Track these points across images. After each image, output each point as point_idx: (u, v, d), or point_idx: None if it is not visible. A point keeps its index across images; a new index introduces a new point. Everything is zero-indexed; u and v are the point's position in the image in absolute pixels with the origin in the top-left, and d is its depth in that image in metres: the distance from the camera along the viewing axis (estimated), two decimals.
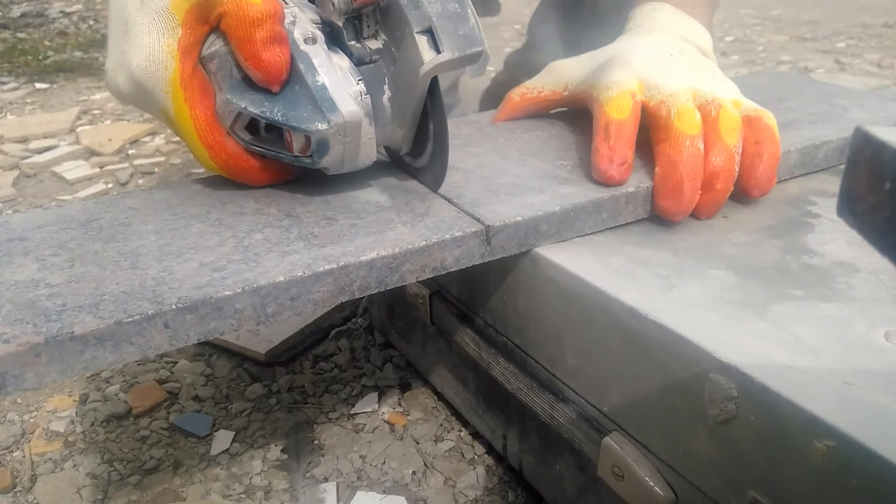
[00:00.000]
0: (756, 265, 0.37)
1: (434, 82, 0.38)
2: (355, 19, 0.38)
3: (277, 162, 0.40)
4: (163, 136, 1.26)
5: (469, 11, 0.36)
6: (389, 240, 0.36)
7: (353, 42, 0.39)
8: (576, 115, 0.53)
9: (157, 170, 1.12)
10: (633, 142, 0.42)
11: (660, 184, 0.41)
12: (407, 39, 0.36)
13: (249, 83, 0.37)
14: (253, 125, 0.39)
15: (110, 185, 1.07)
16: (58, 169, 1.11)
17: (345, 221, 0.38)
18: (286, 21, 0.37)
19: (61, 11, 2.61)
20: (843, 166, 0.26)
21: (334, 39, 0.39)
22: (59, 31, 2.30)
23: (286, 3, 0.38)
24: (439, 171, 0.40)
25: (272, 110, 0.37)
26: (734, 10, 2.55)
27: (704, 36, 0.51)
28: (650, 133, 0.43)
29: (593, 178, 0.42)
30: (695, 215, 0.42)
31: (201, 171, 0.41)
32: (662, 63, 0.45)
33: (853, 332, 0.32)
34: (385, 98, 0.39)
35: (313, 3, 0.40)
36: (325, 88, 0.36)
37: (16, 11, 2.56)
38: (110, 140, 1.21)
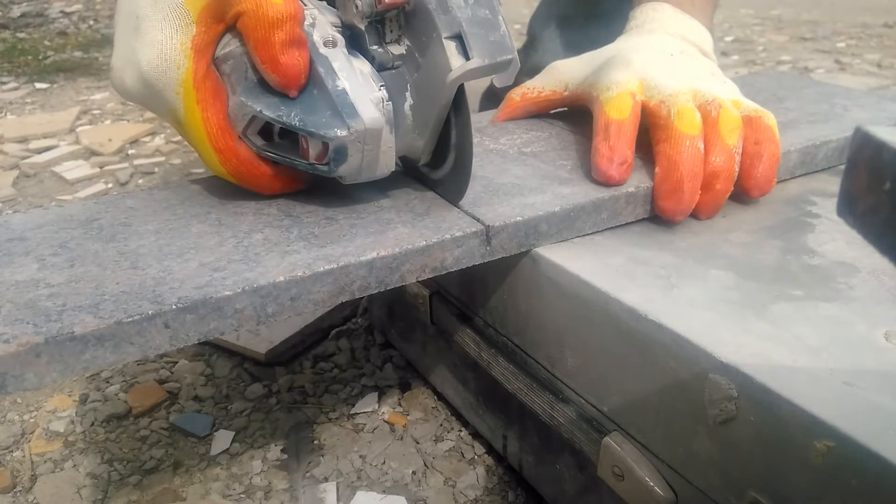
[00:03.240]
0: (756, 265, 0.37)
1: (460, 91, 0.36)
2: (378, 23, 0.37)
3: (290, 169, 0.38)
4: (163, 136, 1.26)
5: (500, 18, 0.35)
6: (389, 240, 0.36)
7: (374, 46, 0.37)
8: (576, 115, 0.53)
9: (157, 170, 1.12)
10: (633, 142, 0.42)
11: (660, 184, 0.41)
12: (434, 45, 0.35)
13: (265, 86, 0.36)
14: (266, 130, 0.38)
15: (110, 185, 1.07)
16: (58, 169, 1.11)
17: (345, 221, 0.38)
18: (305, 23, 0.35)
19: (61, 11, 2.61)
20: (843, 166, 0.26)
21: (355, 43, 0.37)
22: (59, 31, 2.30)
23: (305, 5, 0.36)
24: (460, 184, 0.39)
25: (289, 115, 0.35)
26: (734, 10, 2.55)
27: (705, 36, 0.51)
28: (650, 133, 0.43)
29: (593, 178, 0.42)
30: (695, 215, 0.42)
31: (201, 170, 0.42)
32: (663, 63, 0.45)
33: (853, 332, 0.32)
34: (407, 106, 0.38)
35: (332, 4, 0.38)
36: (346, 93, 0.35)
37: (16, 11, 2.56)
38: (110, 140, 1.21)
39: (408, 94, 0.38)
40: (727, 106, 0.42)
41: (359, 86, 0.35)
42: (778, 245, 0.40)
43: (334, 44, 0.36)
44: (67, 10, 2.64)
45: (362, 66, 0.36)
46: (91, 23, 2.45)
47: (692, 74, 0.45)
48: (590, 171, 0.43)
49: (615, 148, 0.41)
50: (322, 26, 0.36)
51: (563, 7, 0.92)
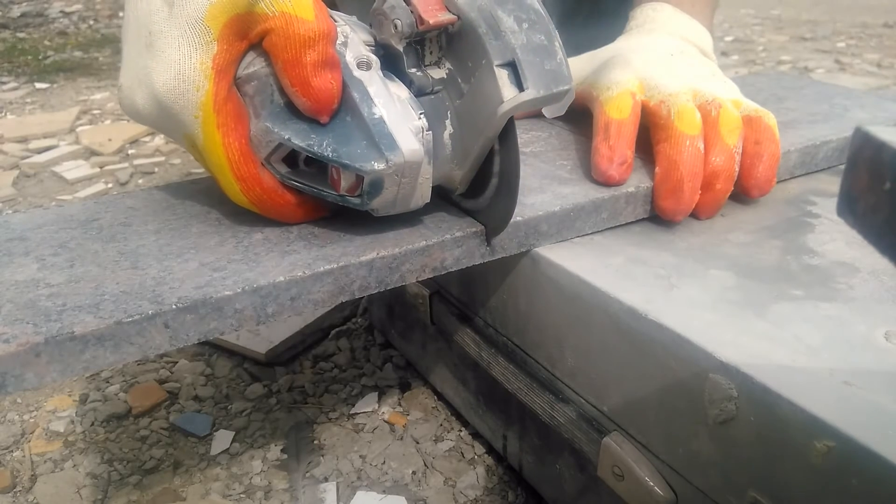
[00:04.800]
0: (756, 265, 0.37)
1: (510, 121, 0.33)
2: (417, 44, 0.34)
3: (315, 198, 0.36)
4: (162, 136, 1.26)
5: (557, 45, 0.32)
6: (389, 239, 0.36)
7: (413, 69, 0.34)
8: (576, 115, 0.53)
9: (157, 170, 1.12)
10: (633, 142, 0.42)
11: (660, 184, 0.41)
12: (482, 72, 0.32)
13: (293, 111, 0.33)
14: (290, 157, 0.35)
15: (110, 185, 1.07)
16: (58, 169, 1.11)
17: (344, 221, 0.38)
18: (337, 42, 0.33)
19: (61, 11, 2.61)
20: (843, 166, 0.26)
21: (390, 65, 0.34)
22: (59, 31, 2.30)
23: (336, 21, 0.33)
24: (502, 217, 0.36)
25: (320, 144, 0.33)
26: (734, 10, 2.55)
27: (705, 36, 0.51)
28: (650, 133, 0.43)
29: (593, 178, 0.42)
30: (695, 215, 0.42)
31: (201, 171, 0.41)
32: (663, 63, 0.45)
33: (853, 332, 0.32)
34: (446, 134, 0.35)
35: (363, 20, 0.36)
36: (383, 122, 0.32)
37: (16, 11, 2.57)
38: (110, 140, 1.21)
39: (448, 121, 0.35)
40: (727, 106, 0.42)
41: (397, 113, 0.33)
42: (778, 245, 0.40)
43: (368, 66, 0.33)
44: (67, 10, 2.64)
45: (399, 91, 0.34)
46: (91, 23, 2.45)
47: (692, 74, 0.45)
48: (590, 171, 0.43)
49: (615, 148, 0.41)
50: (355, 45, 0.34)
51: (563, 7, 0.92)
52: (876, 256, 0.19)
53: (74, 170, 1.11)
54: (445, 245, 0.36)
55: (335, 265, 0.33)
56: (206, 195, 0.41)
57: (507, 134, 0.34)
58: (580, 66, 0.50)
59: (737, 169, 0.41)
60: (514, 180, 0.34)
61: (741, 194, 0.43)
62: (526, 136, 0.51)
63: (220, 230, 0.37)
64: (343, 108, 0.33)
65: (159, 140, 1.25)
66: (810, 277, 0.36)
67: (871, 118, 0.55)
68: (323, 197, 0.35)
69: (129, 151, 1.20)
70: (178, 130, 0.34)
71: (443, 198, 0.39)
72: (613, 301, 0.35)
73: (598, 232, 0.41)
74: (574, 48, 0.55)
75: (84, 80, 1.67)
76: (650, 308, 0.33)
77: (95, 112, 1.41)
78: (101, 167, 1.13)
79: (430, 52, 0.35)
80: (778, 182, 0.45)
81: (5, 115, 1.41)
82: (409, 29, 0.33)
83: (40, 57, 1.93)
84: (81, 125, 1.33)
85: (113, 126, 1.31)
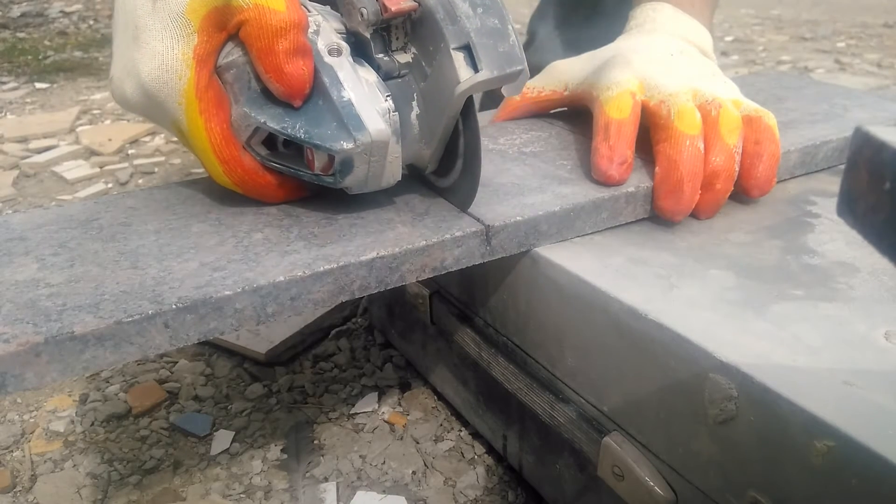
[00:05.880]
0: (756, 265, 0.37)
1: (469, 101, 0.36)
2: (383, 31, 0.36)
3: (294, 178, 0.38)
4: (163, 136, 1.26)
5: (509, 28, 0.34)
6: (389, 239, 0.36)
7: (380, 55, 0.37)
8: (576, 115, 0.53)
9: (157, 170, 1.12)
10: (633, 142, 0.42)
11: (660, 184, 0.41)
12: (441, 55, 0.34)
13: (269, 96, 0.36)
14: (270, 140, 0.38)
15: (110, 185, 1.07)
16: (58, 169, 1.11)
17: (344, 221, 0.38)
18: (309, 30, 0.35)
19: (61, 11, 2.61)
20: (843, 166, 0.26)
21: (359, 51, 0.37)
22: (59, 31, 2.30)
23: (308, 11, 0.36)
24: (469, 192, 0.38)
25: (294, 127, 0.35)
26: (734, 9, 2.55)
27: (704, 36, 0.51)
28: (650, 133, 0.43)
29: (593, 177, 0.42)
30: (694, 215, 0.42)
31: (201, 171, 0.41)
32: (663, 63, 0.45)
33: (853, 332, 0.32)
34: (413, 115, 0.37)
35: (336, 9, 0.38)
36: (352, 105, 0.34)
37: (16, 11, 2.57)
38: (110, 140, 1.21)
39: (414, 103, 0.37)
40: (727, 106, 0.42)
41: (365, 96, 0.35)
42: (778, 245, 0.40)
43: (339, 52, 0.36)
44: (67, 10, 2.64)
45: (368, 75, 0.36)
46: (91, 23, 2.45)
47: (692, 74, 0.45)
48: (590, 170, 0.43)
49: (615, 148, 0.41)
50: (326, 34, 0.36)
51: (563, 7, 0.92)
52: (876, 256, 0.19)
53: (74, 170, 1.11)
54: (445, 245, 0.36)
55: (335, 265, 0.34)
56: (206, 195, 0.41)
57: (467, 113, 0.36)
58: (580, 66, 0.50)
59: (737, 169, 0.41)
60: (477, 157, 0.37)
61: (741, 194, 0.43)
62: (526, 136, 0.51)
63: (220, 230, 0.37)
64: (315, 93, 0.35)
65: (159, 140, 1.25)
66: (810, 277, 0.36)
67: (871, 118, 0.55)
68: (300, 177, 0.37)
69: (129, 151, 1.20)
70: (165, 117, 0.36)
71: (418, 180, 0.41)
72: (613, 301, 0.35)
73: (598, 232, 0.41)
74: (574, 48, 0.55)
75: (84, 80, 1.67)
76: (650, 308, 0.33)
77: (95, 112, 1.41)
78: (101, 167, 1.13)
79: (397, 38, 0.37)
80: (778, 182, 0.45)
81: (5, 115, 1.41)
82: (375, 17, 0.35)
83: (40, 57, 1.93)
84: (81, 125, 1.33)
85: (113, 126, 1.31)
